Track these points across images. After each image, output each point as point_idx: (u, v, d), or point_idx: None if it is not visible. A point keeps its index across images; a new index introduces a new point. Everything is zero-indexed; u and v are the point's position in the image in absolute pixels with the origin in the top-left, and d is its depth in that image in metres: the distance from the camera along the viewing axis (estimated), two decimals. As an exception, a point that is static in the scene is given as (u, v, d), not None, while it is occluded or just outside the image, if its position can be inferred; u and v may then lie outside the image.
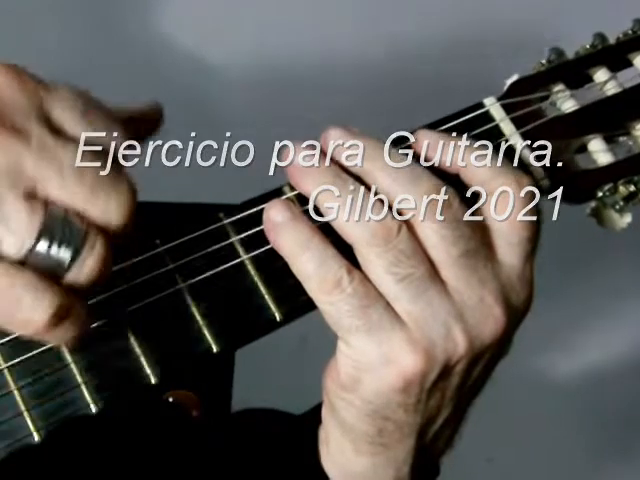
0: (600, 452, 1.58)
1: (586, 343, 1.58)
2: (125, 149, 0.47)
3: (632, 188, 0.58)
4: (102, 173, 0.44)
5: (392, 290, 0.50)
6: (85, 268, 0.44)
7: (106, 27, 1.48)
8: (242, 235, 0.53)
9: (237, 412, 0.68)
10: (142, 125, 0.52)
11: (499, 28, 1.49)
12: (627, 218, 0.59)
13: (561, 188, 0.57)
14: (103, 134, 0.46)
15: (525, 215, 0.52)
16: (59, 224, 0.43)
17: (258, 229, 0.53)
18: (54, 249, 0.43)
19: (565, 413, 1.56)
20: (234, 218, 0.54)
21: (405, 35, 1.49)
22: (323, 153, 0.53)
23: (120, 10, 1.48)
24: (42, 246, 0.43)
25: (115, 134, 0.47)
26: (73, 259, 0.44)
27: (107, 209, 0.44)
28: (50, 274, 0.44)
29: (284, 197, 0.54)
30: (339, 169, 0.52)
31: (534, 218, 0.53)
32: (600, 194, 0.58)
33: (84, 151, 0.45)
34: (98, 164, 0.45)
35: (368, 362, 0.50)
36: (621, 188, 0.58)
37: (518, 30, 1.47)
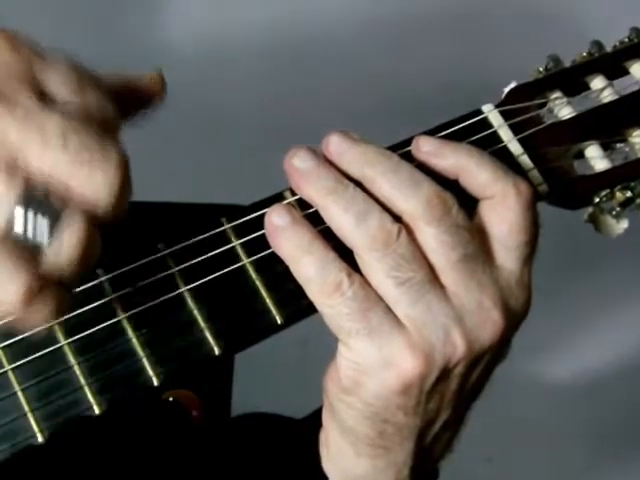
0: (599, 452, 1.58)
1: (585, 344, 1.58)
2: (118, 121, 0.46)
3: (629, 194, 0.58)
4: (89, 141, 0.42)
5: (392, 294, 0.50)
6: (63, 248, 0.42)
7: (106, 28, 1.48)
8: (243, 239, 0.54)
9: (237, 416, 0.68)
10: (140, 94, 0.51)
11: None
12: (624, 224, 0.59)
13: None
14: (94, 104, 0.45)
15: (523, 220, 0.53)
16: (37, 199, 0.42)
17: (259, 233, 0.53)
18: (30, 226, 0.42)
19: (564, 413, 1.56)
20: (236, 222, 0.54)
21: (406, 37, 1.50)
22: (324, 158, 0.53)
23: (120, 11, 1.48)
24: (18, 222, 0.41)
25: (107, 106, 0.46)
26: (50, 235, 0.42)
27: (92, 179, 0.42)
28: (28, 252, 0.42)
29: (285, 202, 0.54)
30: (339, 174, 0.52)
31: (532, 223, 0.53)
32: (597, 200, 0.59)
33: (71, 119, 0.43)
34: (85, 132, 0.43)
35: (368, 365, 0.51)
36: (618, 194, 0.59)
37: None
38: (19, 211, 0.41)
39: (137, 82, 0.51)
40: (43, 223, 0.42)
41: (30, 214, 0.41)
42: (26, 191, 0.42)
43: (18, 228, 0.41)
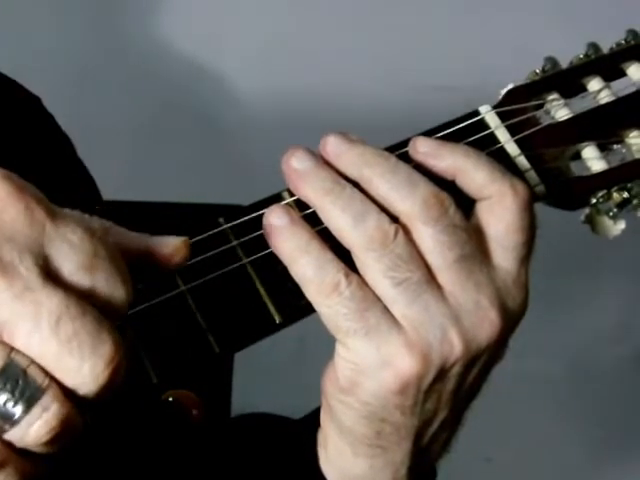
0: (599, 452, 1.58)
1: (585, 344, 1.58)
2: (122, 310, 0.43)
3: (625, 195, 0.59)
4: (83, 330, 0.40)
5: (389, 294, 0.51)
6: (32, 430, 0.40)
7: (106, 30, 1.48)
8: (242, 239, 0.54)
9: (237, 416, 0.69)
10: (161, 261, 0.48)
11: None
12: (621, 225, 0.59)
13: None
14: (102, 286, 0.42)
15: (520, 220, 0.53)
16: (15, 374, 0.39)
17: (258, 234, 0.54)
18: (2, 400, 0.39)
19: (564, 413, 1.56)
20: (234, 223, 0.54)
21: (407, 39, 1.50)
22: (321, 159, 0.54)
23: (120, 13, 1.49)
24: None
25: (116, 289, 0.43)
26: (20, 417, 0.39)
27: (78, 372, 0.40)
28: None
29: (283, 202, 0.54)
30: (337, 175, 0.53)
31: (529, 223, 0.54)
32: (594, 201, 0.59)
33: (70, 303, 0.40)
34: (81, 319, 0.40)
35: (366, 365, 0.51)
36: (615, 195, 0.59)
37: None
38: None
39: (160, 249, 0.48)
40: (16, 401, 0.40)
41: (4, 390, 0.40)
42: (6, 364, 0.40)
43: None
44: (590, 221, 0.60)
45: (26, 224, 0.41)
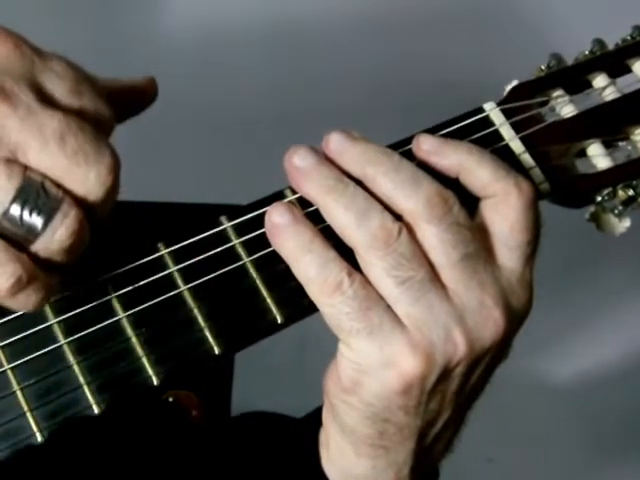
0: (599, 453, 1.58)
1: (585, 345, 1.58)
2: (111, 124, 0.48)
3: (631, 192, 0.58)
4: (85, 143, 0.45)
5: (392, 293, 0.50)
6: (56, 236, 0.44)
7: (106, 29, 1.48)
8: (244, 238, 0.53)
9: (237, 415, 0.68)
10: (135, 97, 0.54)
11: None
12: (626, 222, 0.59)
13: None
14: (90, 106, 0.47)
15: (525, 219, 0.53)
16: (34, 190, 0.44)
17: (260, 232, 0.53)
18: (26, 214, 0.44)
19: (564, 414, 1.56)
20: (236, 221, 0.54)
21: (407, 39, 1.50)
22: (324, 156, 0.53)
23: (120, 12, 1.49)
24: (15, 210, 0.44)
25: (102, 108, 0.48)
26: (44, 226, 0.44)
27: (86, 179, 0.45)
28: (20, 240, 0.44)
29: (286, 200, 0.54)
30: (340, 173, 0.52)
31: (534, 222, 0.53)
32: (599, 198, 0.58)
33: (69, 121, 0.45)
34: (82, 134, 0.45)
35: (369, 364, 0.51)
36: (620, 192, 0.58)
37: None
38: (17, 200, 0.44)
39: (131, 84, 0.54)
40: (39, 212, 0.44)
41: (27, 203, 0.44)
42: (24, 182, 0.44)
43: (15, 212, 0.44)
44: (595, 219, 0.60)
45: (17, 58, 0.46)
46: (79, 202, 0.45)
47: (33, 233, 0.44)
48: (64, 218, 0.44)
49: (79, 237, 0.45)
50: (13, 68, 0.46)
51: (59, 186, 0.45)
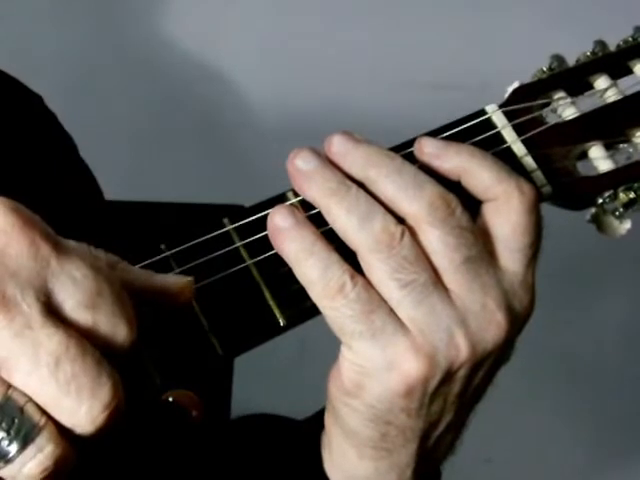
0: (599, 453, 1.58)
1: (585, 344, 1.58)
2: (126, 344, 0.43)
3: (632, 195, 0.58)
4: (82, 372, 0.40)
5: (395, 296, 0.50)
6: (24, 469, 0.40)
7: (107, 29, 1.48)
8: (246, 240, 0.53)
9: (239, 417, 0.68)
10: (165, 300, 0.48)
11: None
12: (626, 225, 0.59)
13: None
14: (105, 325, 0.42)
15: (527, 221, 0.53)
16: (12, 412, 0.40)
17: (262, 235, 0.53)
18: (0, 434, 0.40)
19: (564, 414, 1.56)
20: (238, 223, 0.54)
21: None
22: (326, 159, 0.53)
23: (121, 12, 1.48)
24: None
25: (119, 327, 0.42)
26: (16, 455, 0.40)
27: (75, 413, 0.40)
28: None
29: (288, 203, 0.54)
30: (342, 175, 0.52)
31: (536, 224, 0.53)
32: (600, 201, 0.58)
33: (70, 344, 0.40)
34: (81, 361, 0.40)
35: (371, 367, 0.51)
36: (621, 195, 0.58)
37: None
38: None
39: (164, 285, 0.48)
40: (11, 439, 0.40)
41: (3, 424, 0.40)
42: (3, 401, 0.40)
43: None
44: (596, 221, 0.60)
45: (30, 259, 0.41)
46: (64, 432, 0.40)
47: (3, 459, 0.40)
48: (38, 452, 0.40)
49: (54, 471, 0.40)
50: (22, 270, 0.41)
51: (44, 412, 0.40)
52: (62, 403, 0.40)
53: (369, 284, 0.51)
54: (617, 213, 0.59)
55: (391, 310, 0.50)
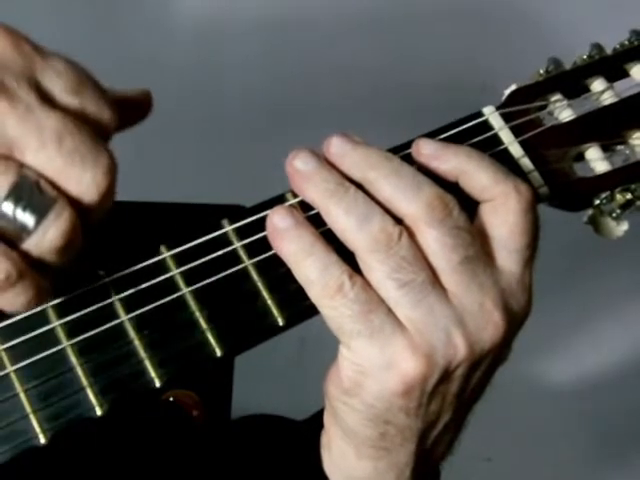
0: (599, 452, 1.58)
1: (585, 345, 1.58)
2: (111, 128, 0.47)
3: (629, 196, 0.59)
4: (82, 144, 0.44)
5: (393, 296, 0.51)
6: (47, 235, 0.44)
7: (107, 28, 1.48)
8: (245, 241, 0.54)
9: (240, 417, 0.69)
10: (130, 111, 0.52)
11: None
12: (623, 226, 0.59)
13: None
14: (91, 106, 0.47)
15: (524, 222, 0.53)
16: (29, 187, 0.44)
17: (261, 235, 0.54)
18: (19, 211, 0.44)
19: (563, 414, 1.56)
20: (237, 224, 0.54)
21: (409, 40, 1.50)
22: (325, 160, 0.53)
23: (121, 11, 1.48)
24: (8, 206, 0.43)
25: (103, 110, 0.47)
26: (37, 224, 0.44)
27: (81, 180, 0.44)
28: (12, 237, 0.44)
29: (287, 203, 0.54)
30: (341, 176, 0.53)
31: (533, 225, 0.54)
32: (597, 202, 0.59)
33: (67, 121, 0.44)
34: (79, 135, 0.44)
35: (370, 366, 0.51)
36: (618, 196, 0.59)
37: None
38: (10, 197, 0.44)
39: (125, 95, 0.52)
40: (32, 209, 0.44)
41: (21, 200, 0.44)
42: (19, 178, 0.44)
43: (7, 209, 0.44)
44: (593, 222, 0.60)
45: (16, 55, 0.46)
46: (73, 203, 0.45)
47: (25, 231, 0.44)
48: (57, 218, 0.44)
49: (71, 238, 0.45)
50: (12, 65, 0.45)
51: (54, 186, 0.44)
52: (69, 173, 0.44)
53: (368, 284, 0.51)
54: (614, 214, 0.59)
55: (389, 310, 0.51)
